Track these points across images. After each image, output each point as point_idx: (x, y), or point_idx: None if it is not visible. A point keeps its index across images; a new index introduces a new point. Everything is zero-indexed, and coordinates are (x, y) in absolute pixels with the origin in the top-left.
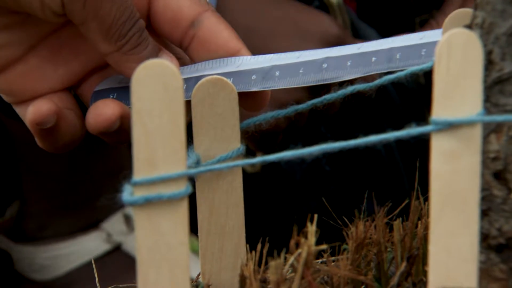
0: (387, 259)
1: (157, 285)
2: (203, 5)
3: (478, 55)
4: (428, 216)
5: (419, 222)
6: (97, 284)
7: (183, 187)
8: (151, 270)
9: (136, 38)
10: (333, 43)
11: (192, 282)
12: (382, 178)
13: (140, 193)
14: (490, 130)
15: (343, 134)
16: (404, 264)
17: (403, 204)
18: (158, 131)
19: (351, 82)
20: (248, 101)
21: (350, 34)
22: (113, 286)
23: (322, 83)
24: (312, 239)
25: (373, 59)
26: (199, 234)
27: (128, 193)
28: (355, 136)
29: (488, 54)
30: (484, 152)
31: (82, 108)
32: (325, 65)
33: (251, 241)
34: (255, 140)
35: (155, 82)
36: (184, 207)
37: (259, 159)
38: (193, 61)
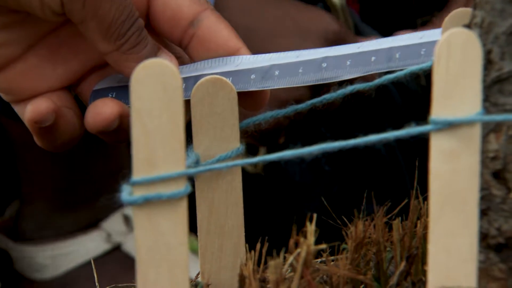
0: (386, 259)
1: (156, 285)
2: (203, 4)
3: (477, 54)
4: (427, 216)
5: (419, 221)
6: (96, 283)
7: (182, 187)
8: (150, 270)
9: (135, 37)
10: (334, 41)
11: (192, 281)
12: (384, 178)
13: (139, 193)
14: (489, 130)
15: (344, 135)
16: (403, 263)
17: (402, 204)
18: (158, 130)
19: (351, 81)
20: (248, 100)
21: (352, 32)
22: (112, 285)
23: (321, 82)
24: (311, 238)
25: (373, 58)
26: (198, 233)
27: (127, 193)
28: (355, 136)
29: (487, 54)
30: (483, 151)
31: (81, 107)
32: (324, 65)
33: (251, 241)
34: (256, 137)
35: (154, 82)
36: (183, 206)
37: (258, 158)
38: (192, 60)
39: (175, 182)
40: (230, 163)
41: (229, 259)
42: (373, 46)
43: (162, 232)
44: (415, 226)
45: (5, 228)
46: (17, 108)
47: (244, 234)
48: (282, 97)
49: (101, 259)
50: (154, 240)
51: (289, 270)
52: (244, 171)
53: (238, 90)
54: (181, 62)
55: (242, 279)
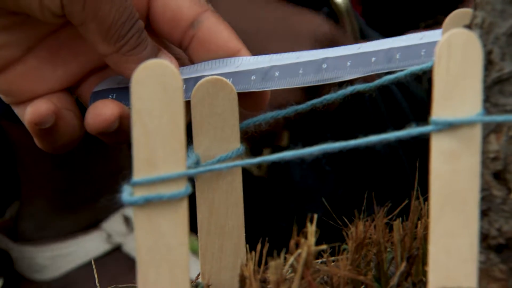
0: (387, 259)
1: (157, 285)
2: (203, 5)
3: (477, 55)
4: (428, 216)
5: (419, 222)
6: (97, 284)
7: (183, 187)
8: (151, 270)
9: (135, 39)
10: (326, 43)
11: (192, 282)
12: (389, 180)
13: (140, 193)
14: (490, 130)
15: (346, 136)
16: (404, 264)
17: (403, 204)
18: (158, 131)
19: (351, 82)
20: (248, 101)
21: (346, 33)
22: (113, 286)
23: (321, 83)
24: (312, 239)
25: (373, 59)
26: (198, 234)
27: (128, 194)
28: (356, 137)
29: (488, 54)
30: (484, 152)
31: (81, 109)
32: (324, 66)
33: (251, 241)
34: (255, 139)
35: (155, 82)
36: (184, 207)
37: (259, 159)
38: (192, 61)
39: (176, 183)
40: (230, 163)
41: (229, 260)
42: (373, 47)
43: (163, 233)
44: (416, 227)
45: (5, 228)
46: (17, 110)
47: (244, 234)
48: (279, 100)
49: (101, 260)
50: (155, 240)
51: (289, 271)
52: (248, 173)
53: (239, 91)
54: (180, 63)
55: (242, 280)
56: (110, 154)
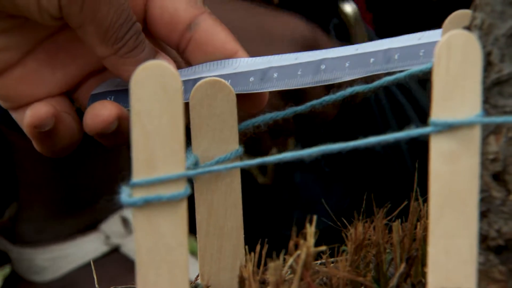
0: (386, 260)
1: (156, 286)
2: (200, 7)
3: (477, 56)
4: (427, 217)
5: (418, 223)
6: (96, 285)
7: (182, 189)
8: (150, 271)
9: (133, 41)
10: (304, 46)
11: (191, 283)
12: (394, 186)
13: (139, 195)
14: (489, 132)
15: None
16: (403, 265)
17: (402, 205)
18: (157, 132)
19: (350, 83)
20: (246, 102)
21: (327, 35)
22: (112, 287)
23: (320, 84)
24: (311, 240)
25: (371, 60)
26: (197, 235)
27: (127, 195)
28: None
29: (487, 56)
30: (483, 153)
31: (79, 113)
32: (323, 66)
33: (250, 242)
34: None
35: (154, 83)
36: (183, 208)
37: (258, 160)
38: (190, 63)
39: (175, 184)
40: (229, 165)
41: (228, 261)
42: (372, 48)
43: (162, 234)
44: (415, 228)
45: (4, 229)
46: (15, 115)
47: (243, 235)
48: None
49: (99, 261)
50: (154, 241)
51: (288, 272)
52: (252, 180)
53: (237, 92)
54: (177, 66)
55: (241, 281)
56: (109, 157)
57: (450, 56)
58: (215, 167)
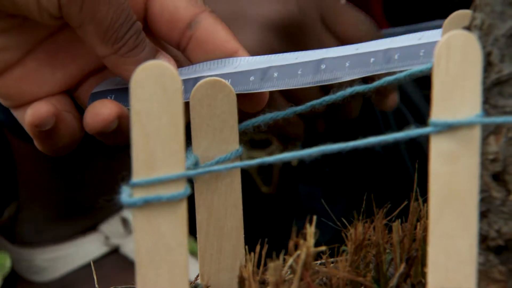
0: (386, 261)
1: (156, 286)
2: (200, 6)
3: (477, 56)
4: (427, 218)
5: (418, 223)
6: (96, 286)
7: (182, 189)
8: (150, 272)
9: (133, 41)
10: (281, 30)
11: (191, 283)
12: (391, 180)
13: (139, 195)
14: (489, 132)
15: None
16: (403, 265)
17: (402, 206)
18: (157, 132)
19: (350, 83)
20: (246, 102)
21: (313, 19)
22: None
23: (320, 84)
24: (310, 240)
25: (372, 59)
26: (197, 235)
27: (127, 195)
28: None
29: (487, 56)
30: (483, 153)
31: (80, 111)
32: (323, 66)
33: (250, 243)
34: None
35: (154, 84)
36: (183, 208)
37: (257, 161)
38: (190, 62)
39: (175, 184)
40: (229, 165)
41: (228, 261)
42: (372, 47)
43: (162, 234)
44: (415, 228)
45: (3, 229)
46: (16, 114)
47: (243, 235)
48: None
49: (99, 262)
50: (154, 241)
51: (288, 272)
52: (256, 189)
53: (237, 92)
54: (178, 65)
55: (241, 281)
56: (109, 159)
57: (450, 56)
58: (215, 167)
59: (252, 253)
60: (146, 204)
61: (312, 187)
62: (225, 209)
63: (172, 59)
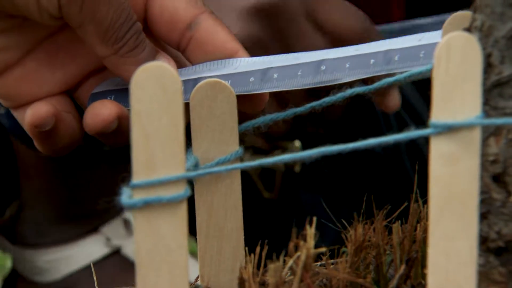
0: (386, 262)
1: None
2: (200, 6)
3: (477, 58)
4: (427, 219)
5: (418, 225)
6: (96, 287)
7: (182, 190)
8: (150, 273)
9: (133, 41)
10: (262, 17)
11: (191, 285)
12: (391, 181)
13: (139, 196)
14: (489, 133)
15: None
16: (403, 267)
17: (402, 207)
18: (157, 133)
19: (350, 85)
20: (246, 103)
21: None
22: None
23: (320, 85)
24: (311, 241)
25: (372, 61)
26: (197, 236)
27: (127, 196)
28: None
29: (487, 57)
30: (483, 155)
31: (80, 112)
32: (323, 67)
33: (250, 244)
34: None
35: (154, 85)
36: (183, 209)
37: (258, 162)
38: (190, 63)
39: (175, 185)
40: (229, 166)
41: (228, 262)
42: (372, 49)
43: (162, 235)
44: (415, 230)
45: (5, 229)
46: (16, 114)
47: (243, 237)
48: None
49: (101, 263)
50: (154, 243)
51: (288, 274)
52: (258, 194)
53: (237, 93)
54: (178, 65)
55: (241, 282)
56: (112, 166)
57: (450, 58)
58: (215, 169)
59: (252, 255)
60: (146, 205)
61: (314, 195)
62: (225, 210)
63: (172, 60)
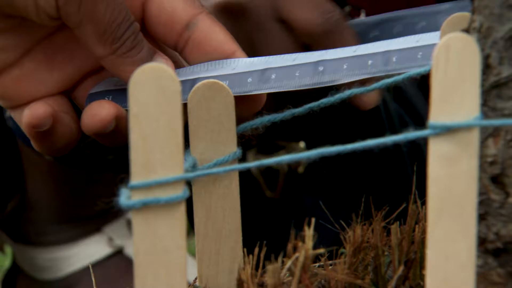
0: (384, 263)
1: None
2: (198, 7)
3: (475, 59)
4: (425, 220)
5: (417, 226)
6: (95, 287)
7: (180, 191)
8: (148, 274)
9: (131, 41)
10: (224, 14)
11: (190, 285)
12: (389, 182)
13: (137, 197)
14: (488, 134)
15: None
16: (401, 268)
17: (401, 208)
18: (155, 135)
19: (348, 86)
20: (244, 104)
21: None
22: None
23: (318, 86)
24: (309, 243)
25: (370, 62)
26: (195, 237)
27: (125, 197)
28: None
29: (486, 58)
30: (482, 156)
31: (77, 112)
32: (321, 68)
33: (249, 243)
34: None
35: (152, 86)
36: (181, 211)
37: (255, 163)
38: (188, 63)
39: (173, 187)
40: (227, 167)
41: (226, 263)
42: (370, 50)
43: (160, 236)
44: (413, 231)
45: (7, 224)
46: (14, 114)
47: (241, 238)
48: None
49: (103, 263)
50: (152, 244)
51: (287, 275)
52: (260, 193)
53: (235, 94)
54: (176, 66)
55: (240, 284)
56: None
57: (449, 59)
58: (213, 170)
59: (251, 256)
60: (145, 206)
61: (315, 196)
62: (223, 211)
63: (170, 60)
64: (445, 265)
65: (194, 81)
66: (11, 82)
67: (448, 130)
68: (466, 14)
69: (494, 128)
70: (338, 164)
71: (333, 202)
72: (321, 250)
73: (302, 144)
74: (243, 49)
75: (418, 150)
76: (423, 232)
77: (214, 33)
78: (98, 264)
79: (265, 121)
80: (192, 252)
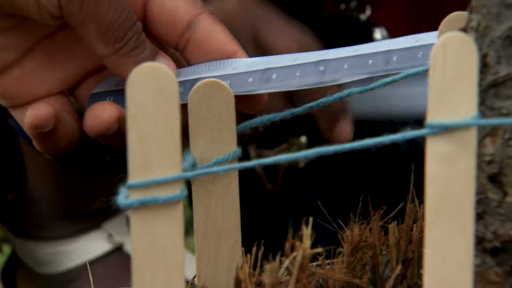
0: (382, 262)
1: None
2: (199, 7)
3: (473, 58)
4: (423, 219)
5: (415, 225)
6: (92, 285)
7: (178, 190)
8: (146, 273)
9: (133, 41)
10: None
11: (188, 284)
12: (387, 181)
13: (135, 196)
14: (485, 134)
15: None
16: (399, 267)
17: (398, 207)
18: (153, 134)
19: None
20: (244, 103)
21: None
22: None
23: (319, 86)
24: (307, 242)
25: (370, 61)
26: (195, 236)
27: (123, 196)
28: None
29: (483, 58)
30: (479, 155)
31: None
32: (322, 68)
33: (246, 244)
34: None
35: (150, 86)
36: (179, 210)
37: (255, 162)
38: (189, 63)
39: (171, 186)
40: (227, 166)
41: (225, 262)
42: (370, 49)
43: (158, 235)
44: (411, 230)
45: (7, 218)
46: (15, 113)
47: (240, 237)
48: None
49: (102, 259)
50: (150, 243)
51: (285, 274)
52: (261, 185)
53: (236, 93)
54: (178, 66)
55: (238, 282)
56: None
57: (446, 58)
58: (212, 169)
59: (249, 255)
60: (143, 205)
61: (313, 193)
62: (223, 210)
63: (172, 60)
64: (443, 264)
65: (195, 80)
66: (12, 82)
67: (446, 129)
68: (464, 13)
69: (491, 127)
70: (337, 162)
71: (332, 200)
72: (319, 249)
73: (303, 139)
74: None
75: (418, 148)
76: (421, 231)
77: (216, 33)
78: (98, 260)
79: (265, 120)
80: (192, 249)
